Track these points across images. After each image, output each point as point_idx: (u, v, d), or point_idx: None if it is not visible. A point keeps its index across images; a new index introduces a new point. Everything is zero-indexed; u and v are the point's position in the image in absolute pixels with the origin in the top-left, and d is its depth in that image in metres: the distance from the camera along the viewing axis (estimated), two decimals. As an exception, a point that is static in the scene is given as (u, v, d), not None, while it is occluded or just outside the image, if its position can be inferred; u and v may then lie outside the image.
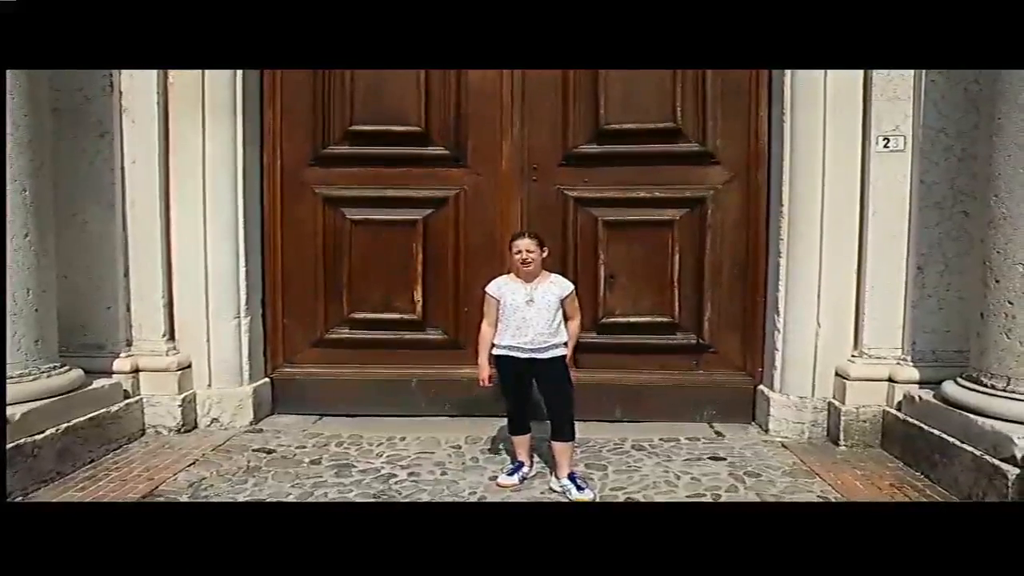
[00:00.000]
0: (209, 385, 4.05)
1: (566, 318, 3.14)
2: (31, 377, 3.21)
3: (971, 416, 3.02)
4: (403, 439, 3.81)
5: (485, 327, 3.20)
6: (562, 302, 3.10)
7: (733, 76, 4.00)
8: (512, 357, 3.09)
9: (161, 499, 3.00)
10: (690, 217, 4.15)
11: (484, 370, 3.19)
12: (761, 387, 4.10)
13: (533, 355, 3.07)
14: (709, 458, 3.54)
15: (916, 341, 3.67)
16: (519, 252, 3.07)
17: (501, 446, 3.64)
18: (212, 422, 4.04)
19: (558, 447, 3.10)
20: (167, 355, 3.93)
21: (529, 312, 3.06)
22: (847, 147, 3.70)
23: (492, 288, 3.17)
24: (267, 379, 4.32)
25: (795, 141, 3.78)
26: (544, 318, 3.05)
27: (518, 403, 3.22)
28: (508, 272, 3.22)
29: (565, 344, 3.12)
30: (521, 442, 3.27)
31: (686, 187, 4.14)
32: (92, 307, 3.82)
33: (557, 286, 3.12)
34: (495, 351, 3.15)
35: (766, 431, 3.95)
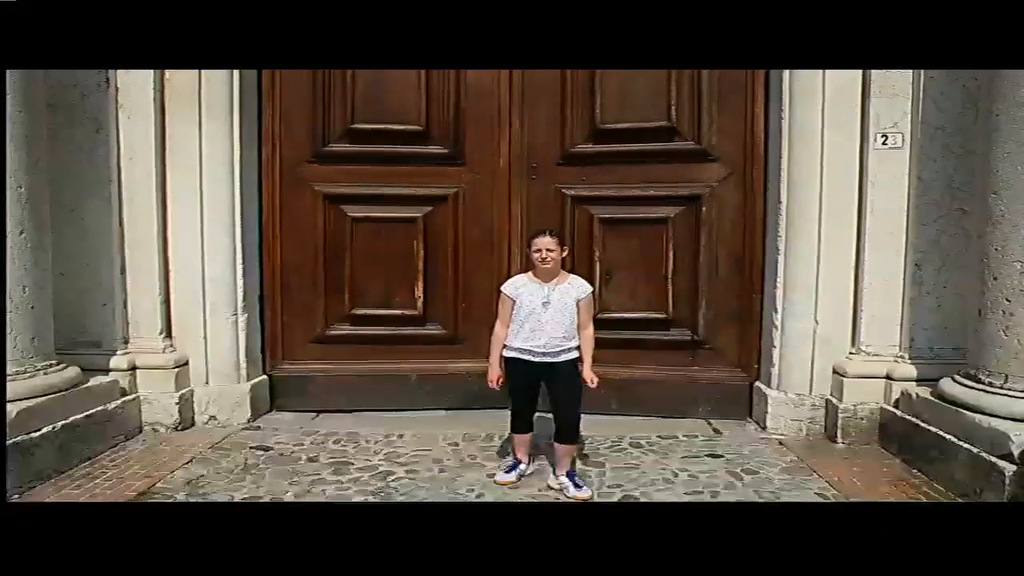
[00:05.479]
0: (207, 382, 4.04)
1: (579, 324, 3.07)
2: (28, 375, 3.20)
3: (968, 413, 3.03)
4: (401, 436, 3.80)
5: (499, 327, 3.13)
6: (578, 304, 3.05)
7: (730, 74, 3.99)
8: (524, 360, 3.05)
9: (158, 497, 3.00)
10: (686, 214, 4.14)
11: (494, 371, 3.13)
12: (758, 384, 4.10)
13: (545, 359, 3.03)
14: (707, 455, 3.54)
15: (914, 338, 3.67)
16: (539, 250, 3.01)
17: (499, 443, 3.64)
18: (210, 419, 4.03)
19: (561, 448, 3.09)
20: (164, 352, 3.92)
21: (544, 315, 3.00)
22: (845, 144, 3.70)
23: (508, 288, 3.10)
24: (265, 376, 4.31)
25: (793, 138, 3.78)
26: (559, 322, 3.01)
27: (525, 404, 3.19)
28: (528, 270, 3.16)
29: (578, 348, 3.07)
30: (522, 440, 3.25)
31: (682, 184, 4.13)
32: (89, 304, 3.81)
33: (575, 288, 3.06)
34: (506, 352, 3.10)
35: (764, 428, 3.95)
